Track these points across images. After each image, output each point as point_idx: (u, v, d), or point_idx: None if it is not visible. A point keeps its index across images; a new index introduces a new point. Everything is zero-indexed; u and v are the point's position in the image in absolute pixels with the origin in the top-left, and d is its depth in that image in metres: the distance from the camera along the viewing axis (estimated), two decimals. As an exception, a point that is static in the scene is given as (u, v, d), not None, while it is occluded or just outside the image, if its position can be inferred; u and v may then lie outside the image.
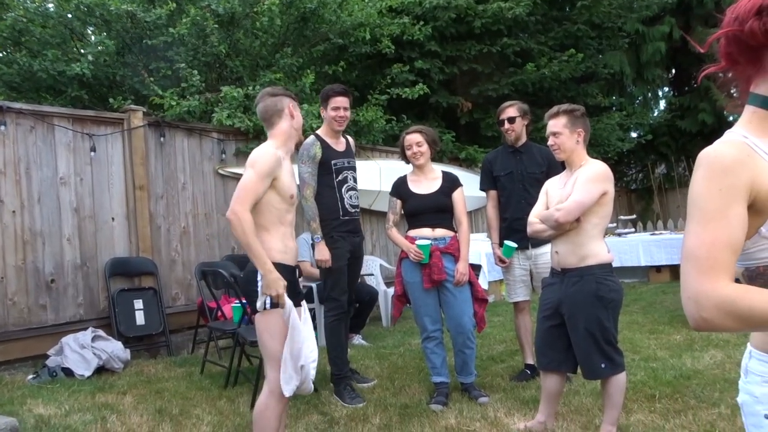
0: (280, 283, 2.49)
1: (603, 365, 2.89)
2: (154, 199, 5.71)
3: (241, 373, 4.25)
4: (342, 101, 3.99)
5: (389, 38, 8.25)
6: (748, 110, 1.12)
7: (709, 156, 1.06)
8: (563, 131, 3.01)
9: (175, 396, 4.00)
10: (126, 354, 4.83)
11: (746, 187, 1.03)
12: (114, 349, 4.75)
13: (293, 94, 2.81)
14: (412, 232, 3.82)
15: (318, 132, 4.09)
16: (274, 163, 2.57)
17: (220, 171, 6.21)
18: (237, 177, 6.22)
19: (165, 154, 5.84)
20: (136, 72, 7.20)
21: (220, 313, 5.00)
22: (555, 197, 3.05)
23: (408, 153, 3.85)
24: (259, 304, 2.53)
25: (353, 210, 4.04)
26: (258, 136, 6.35)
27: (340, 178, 3.99)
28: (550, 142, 3.07)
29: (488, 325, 5.82)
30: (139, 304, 5.34)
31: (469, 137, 9.94)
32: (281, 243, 2.60)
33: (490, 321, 6.08)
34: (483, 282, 7.18)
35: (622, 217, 10.48)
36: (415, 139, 3.82)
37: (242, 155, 6.36)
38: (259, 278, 2.53)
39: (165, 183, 5.81)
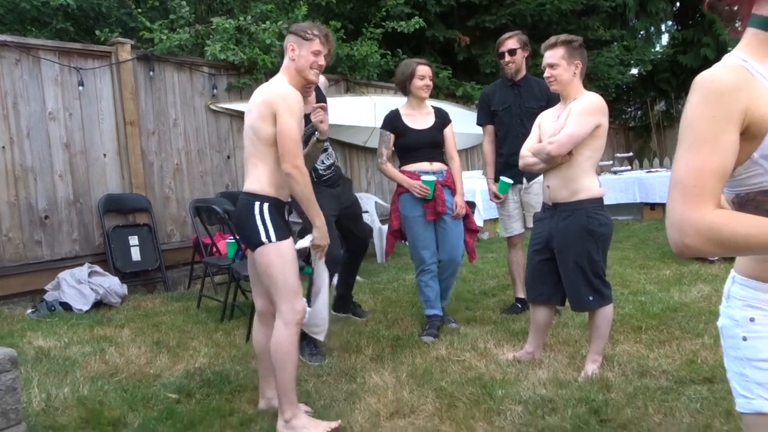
0: (328, 236, 2.65)
1: (591, 298, 2.94)
2: (146, 135, 5.63)
3: (236, 307, 4.32)
4: None
5: (385, -33, 7.96)
6: (749, 32, 1.09)
7: (705, 80, 1.03)
8: (560, 63, 2.93)
9: (172, 329, 4.07)
10: (123, 289, 4.89)
11: (741, 113, 1.01)
12: (111, 284, 4.81)
13: (304, 33, 2.64)
14: (410, 167, 3.78)
15: None
16: (302, 101, 2.59)
17: (212, 107, 6.10)
18: (229, 113, 6.16)
19: (155, 89, 5.72)
20: (123, 3, 6.96)
21: (214, 249, 5.03)
22: (548, 130, 3.01)
23: (419, 83, 3.75)
24: (300, 245, 2.63)
25: (327, 172, 3.78)
26: (250, 70, 6.21)
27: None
28: (546, 74, 2.99)
29: (481, 260, 5.89)
30: (134, 240, 5.36)
31: (466, 73, 9.74)
32: (280, 177, 2.58)
33: (483, 257, 6.15)
34: (478, 220, 7.20)
35: (618, 155, 10.43)
36: (428, 71, 3.77)
37: (234, 90, 6.24)
38: (256, 211, 2.52)
39: (156, 119, 5.72)
